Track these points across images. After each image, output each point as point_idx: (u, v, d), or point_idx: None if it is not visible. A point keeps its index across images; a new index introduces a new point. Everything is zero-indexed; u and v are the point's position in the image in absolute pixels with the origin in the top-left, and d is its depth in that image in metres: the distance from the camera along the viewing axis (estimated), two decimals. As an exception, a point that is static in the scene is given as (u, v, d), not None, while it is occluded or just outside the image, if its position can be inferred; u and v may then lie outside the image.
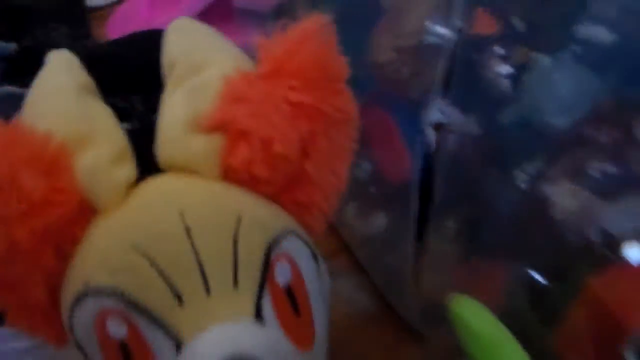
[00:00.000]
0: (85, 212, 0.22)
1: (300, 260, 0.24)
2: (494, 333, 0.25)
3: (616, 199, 0.29)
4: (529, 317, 0.36)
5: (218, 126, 0.23)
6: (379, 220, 0.44)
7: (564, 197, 0.29)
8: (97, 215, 0.23)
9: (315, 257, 0.25)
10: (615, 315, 0.31)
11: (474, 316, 0.25)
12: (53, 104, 0.24)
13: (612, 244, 0.29)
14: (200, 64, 0.25)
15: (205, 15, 0.50)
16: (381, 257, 0.46)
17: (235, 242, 0.22)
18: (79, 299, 0.21)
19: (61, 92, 0.24)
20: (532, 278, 0.33)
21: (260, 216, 0.23)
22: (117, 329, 0.21)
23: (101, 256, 0.22)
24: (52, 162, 0.21)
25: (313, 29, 0.24)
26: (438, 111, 0.39)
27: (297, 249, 0.24)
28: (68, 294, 0.22)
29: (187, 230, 0.21)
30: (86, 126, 0.23)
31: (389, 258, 0.44)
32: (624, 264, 0.33)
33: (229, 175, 0.23)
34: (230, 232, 0.22)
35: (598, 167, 0.29)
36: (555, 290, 0.34)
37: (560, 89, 0.31)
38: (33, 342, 0.34)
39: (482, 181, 0.35)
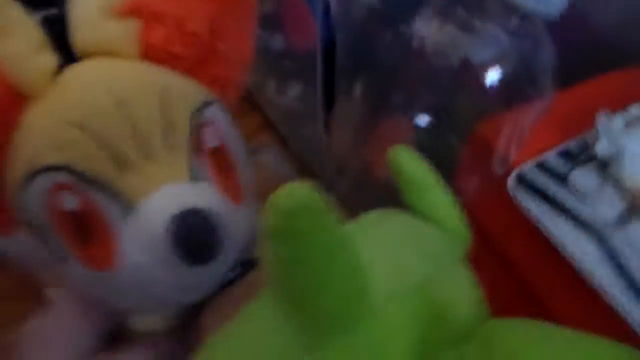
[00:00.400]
0: (16, 100, 0.23)
1: (223, 125, 0.26)
2: (425, 177, 0.27)
3: (477, 31, 0.32)
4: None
5: (132, 11, 0.24)
6: (294, 91, 0.46)
7: (434, 32, 0.32)
8: (29, 102, 0.24)
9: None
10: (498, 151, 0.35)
11: (409, 164, 0.27)
12: None
13: (474, 69, 0.32)
14: None
15: None
16: (299, 128, 0.49)
17: (162, 111, 0.23)
18: (27, 179, 0.22)
19: None
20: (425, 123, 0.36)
21: (182, 88, 0.25)
22: (68, 201, 0.22)
23: (43, 136, 0.23)
24: None
25: None
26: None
27: (219, 117, 0.26)
28: (14, 177, 0.23)
29: (118, 104, 0.23)
30: (5, 20, 0.23)
31: (306, 127, 0.46)
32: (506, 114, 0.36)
33: (148, 55, 0.25)
34: (156, 102, 0.23)
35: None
36: (444, 131, 0.38)
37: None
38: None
39: (378, 43, 0.37)
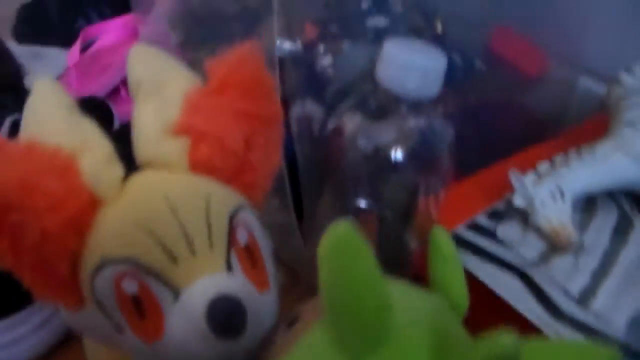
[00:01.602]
0: (94, 203, 0.28)
1: (252, 225, 0.31)
2: (450, 251, 0.31)
3: (383, 118, 0.39)
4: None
5: (183, 131, 0.31)
6: (273, 203, 0.53)
7: (348, 122, 0.39)
8: (103, 205, 0.29)
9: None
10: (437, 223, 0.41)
11: (445, 240, 0.31)
12: (51, 122, 0.30)
13: (383, 151, 0.39)
14: (163, 83, 0.32)
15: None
16: (287, 238, 0.55)
17: (207, 215, 0.29)
18: (98, 268, 0.27)
19: (55, 112, 0.31)
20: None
21: (222, 195, 0.31)
22: (130, 287, 0.27)
23: (112, 235, 0.28)
24: (64, 168, 0.27)
25: (246, 52, 0.32)
26: (300, 107, 0.49)
27: (250, 218, 0.31)
28: (88, 266, 0.28)
29: (173, 210, 0.28)
30: (79, 137, 0.30)
31: (288, 237, 0.53)
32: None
33: (194, 167, 0.30)
34: (203, 208, 0.29)
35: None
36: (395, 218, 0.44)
37: (358, 63, 0.42)
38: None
39: (330, 149, 0.45)
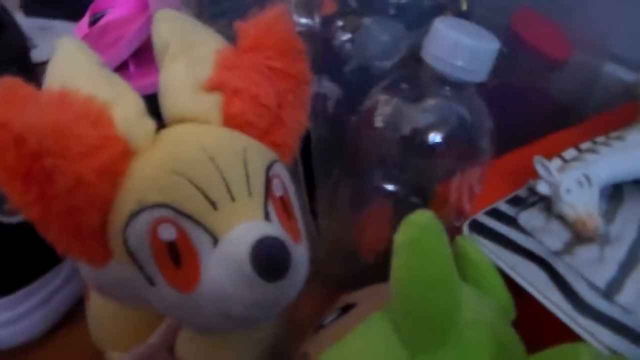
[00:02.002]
0: (128, 152, 0.28)
1: (285, 179, 0.32)
2: (485, 262, 0.33)
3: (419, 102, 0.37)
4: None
5: (217, 87, 0.31)
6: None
7: (381, 106, 0.38)
8: (136, 155, 0.29)
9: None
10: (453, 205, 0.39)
11: (474, 251, 0.32)
12: (81, 76, 0.30)
13: (420, 134, 0.37)
14: (193, 42, 0.33)
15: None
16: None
17: (245, 165, 0.29)
18: (134, 215, 0.27)
19: (84, 66, 0.31)
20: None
21: (258, 148, 0.31)
22: (167, 233, 0.27)
23: (150, 181, 0.28)
24: (98, 116, 0.27)
25: (278, 14, 0.32)
26: (316, 84, 0.47)
27: (283, 172, 0.32)
28: (122, 214, 0.28)
29: (211, 158, 0.28)
30: (112, 90, 0.30)
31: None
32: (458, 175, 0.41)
33: (228, 122, 0.31)
34: (240, 158, 0.29)
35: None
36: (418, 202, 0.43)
37: (381, 40, 0.40)
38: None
39: (346, 129, 0.43)
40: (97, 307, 0.38)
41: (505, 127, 0.49)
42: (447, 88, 0.37)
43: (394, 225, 0.44)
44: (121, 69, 0.58)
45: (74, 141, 0.26)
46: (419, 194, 0.43)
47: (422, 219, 0.24)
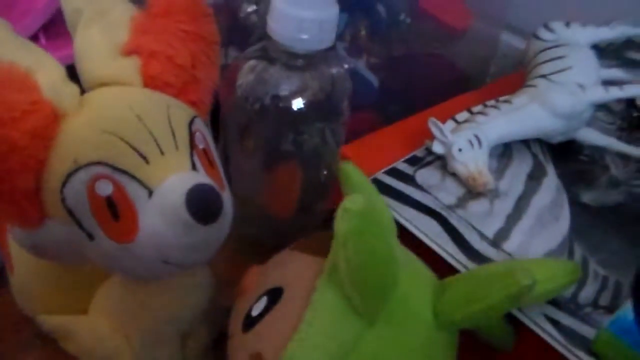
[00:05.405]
0: (56, 115, 0.29)
1: (205, 133, 0.34)
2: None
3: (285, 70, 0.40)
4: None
5: (134, 51, 0.33)
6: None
7: (246, 73, 0.40)
8: (64, 118, 0.29)
9: None
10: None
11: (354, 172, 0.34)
12: (2, 45, 0.31)
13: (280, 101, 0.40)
14: (106, 9, 0.34)
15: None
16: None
17: (169, 121, 0.31)
18: (71, 174, 0.29)
19: (1, 33, 0.32)
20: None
21: (179, 105, 0.33)
22: (104, 188, 0.29)
23: (84, 141, 0.29)
24: (23, 82, 0.28)
25: None
26: (223, 55, 0.48)
27: (203, 126, 0.34)
28: (57, 175, 0.29)
29: (138, 117, 0.30)
30: (32, 58, 0.30)
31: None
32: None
33: (147, 83, 0.33)
34: (165, 115, 0.31)
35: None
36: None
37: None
38: None
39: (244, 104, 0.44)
40: (22, 274, 0.39)
41: (411, 93, 0.52)
42: (300, 60, 0.40)
43: (302, 186, 0.46)
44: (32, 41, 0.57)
45: (2, 107, 0.27)
46: (314, 154, 0.45)
47: (358, 205, 0.26)
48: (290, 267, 0.33)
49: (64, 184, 0.29)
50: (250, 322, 0.31)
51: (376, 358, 0.28)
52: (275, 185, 0.48)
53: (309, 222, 0.49)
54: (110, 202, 0.29)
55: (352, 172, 0.34)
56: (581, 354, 0.31)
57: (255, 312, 0.31)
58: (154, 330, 0.36)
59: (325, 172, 0.46)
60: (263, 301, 0.32)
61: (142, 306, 0.35)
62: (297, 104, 0.40)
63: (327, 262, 0.30)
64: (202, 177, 0.30)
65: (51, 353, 0.41)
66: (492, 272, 0.29)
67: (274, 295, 0.31)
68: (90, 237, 0.30)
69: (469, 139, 0.40)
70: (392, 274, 0.28)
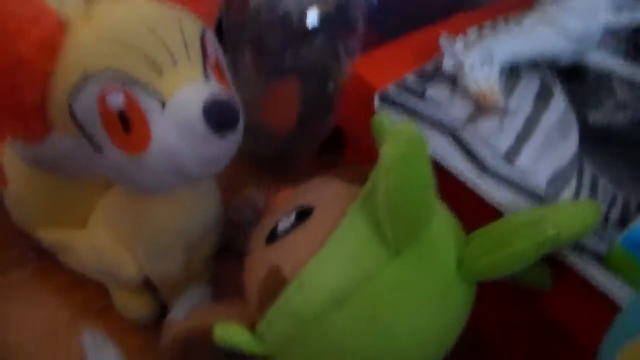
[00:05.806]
0: (61, 24, 0.29)
1: (215, 44, 0.33)
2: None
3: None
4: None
5: None
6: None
7: None
8: (70, 27, 0.29)
9: None
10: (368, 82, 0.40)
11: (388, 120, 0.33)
12: None
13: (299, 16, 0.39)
14: None
15: None
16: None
17: (182, 32, 0.31)
18: (79, 85, 0.28)
19: None
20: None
21: (190, 18, 0.32)
22: (115, 101, 0.28)
23: (93, 51, 0.29)
24: None
25: None
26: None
27: (213, 38, 0.33)
28: (66, 86, 0.29)
29: (149, 27, 0.29)
30: None
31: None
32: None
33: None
34: (177, 26, 0.31)
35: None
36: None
37: None
38: None
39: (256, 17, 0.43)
40: (18, 188, 0.38)
41: (410, 8, 0.51)
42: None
43: (304, 101, 0.45)
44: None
45: (9, 19, 0.26)
46: (320, 70, 0.44)
47: (409, 131, 0.25)
48: (324, 189, 0.32)
49: (73, 98, 0.28)
50: (274, 237, 0.31)
51: (392, 293, 0.28)
52: (275, 100, 0.47)
53: (310, 136, 0.48)
54: (122, 115, 0.29)
55: (385, 119, 0.33)
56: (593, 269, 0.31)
57: (281, 227, 0.31)
58: (160, 242, 0.35)
59: (332, 86, 0.45)
60: (292, 217, 0.31)
61: (148, 218, 0.35)
62: (312, 17, 0.38)
63: (363, 189, 0.29)
64: (216, 87, 0.30)
65: (48, 265, 0.41)
66: (517, 222, 0.28)
67: (304, 213, 0.30)
68: (99, 150, 0.29)
69: (481, 56, 0.39)
70: (429, 204, 0.27)
